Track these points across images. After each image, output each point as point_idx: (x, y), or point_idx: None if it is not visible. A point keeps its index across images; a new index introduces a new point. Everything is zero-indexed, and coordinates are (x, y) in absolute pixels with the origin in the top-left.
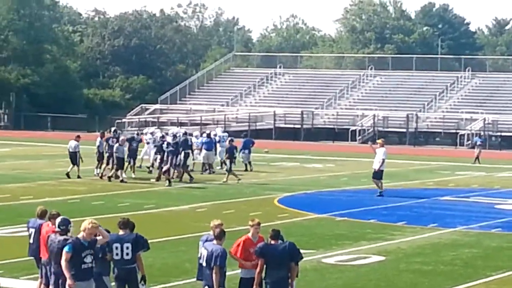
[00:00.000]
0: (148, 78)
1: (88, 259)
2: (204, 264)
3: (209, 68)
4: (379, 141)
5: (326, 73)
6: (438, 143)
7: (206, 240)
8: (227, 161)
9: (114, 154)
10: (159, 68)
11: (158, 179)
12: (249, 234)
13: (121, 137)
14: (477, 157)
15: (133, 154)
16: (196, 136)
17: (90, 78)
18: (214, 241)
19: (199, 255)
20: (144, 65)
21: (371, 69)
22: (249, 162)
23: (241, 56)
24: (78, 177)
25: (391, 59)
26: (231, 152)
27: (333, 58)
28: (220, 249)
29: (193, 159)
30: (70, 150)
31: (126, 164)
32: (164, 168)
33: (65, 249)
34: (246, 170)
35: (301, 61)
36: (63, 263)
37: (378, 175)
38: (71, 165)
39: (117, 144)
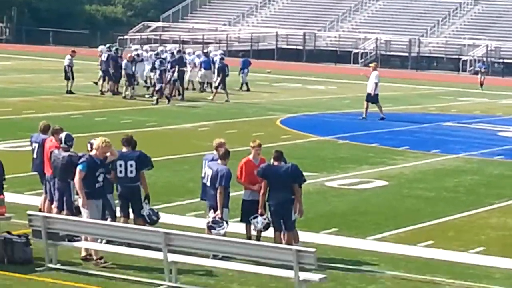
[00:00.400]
0: None
1: (101, 177)
2: (208, 184)
3: None
4: (371, 65)
5: None
6: (440, 68)
7: (212, 160)
8: (218, 79)
9: (123, 71)
10: None
11: (157, 101)
12: (250, 156)
13: (128, 54)
14: (481, 83)
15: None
16: (189, 54)
17: None
18: (219, 161)
19: (202, 175)
20: None
21: None
22: (246, 83)
23: None
24: (70, 92)
25: None
26: (222, 71)
27: None
28: (225, 169)
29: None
30: (64, 64)
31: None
32: (157, 87)
33: (79, 167)
34: (248, 90)
35: None
36: (76, 181)
37: (373, 99)
38: (66, 81)
39: (125, 61)
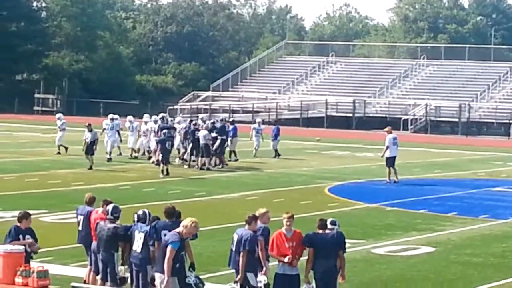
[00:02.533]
0: (201, 65)
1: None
2: (234, 249)
3: (262, 56)
4: (386, 129)
5: (378, 62)
6: (491, 133)
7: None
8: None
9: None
10: (212, 55)
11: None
12: (282, 229)
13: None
14: None
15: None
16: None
17: (142, 64)
18: (246, 226)
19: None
20: (197, 52)
21: (423, 58)
22: (276, 150)
23: (293, 44)
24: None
25: (444, 48)
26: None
27: (385, 47)
28: (249, 233)
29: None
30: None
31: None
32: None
33: (172, 246)
34: (277, 156)
35: (354, 50)
36: (168, 259)
37: (388, 162)
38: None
39: (204, 131)
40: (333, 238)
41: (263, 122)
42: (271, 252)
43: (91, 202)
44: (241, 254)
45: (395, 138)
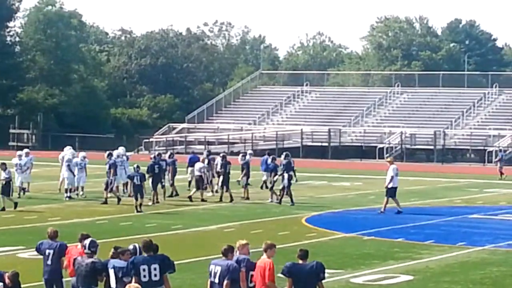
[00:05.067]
0: (175, 97)
1: None
2: (216, 280)
3: (236, 87)
4: (388, 159)
5: (352, 91)
6: (466, 160)
7: (237, 260)
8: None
9: (197, 173)
10: (186, 87)
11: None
12: (270, 258)
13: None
14: (501, 173)
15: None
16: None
17: (117, 97)
18: (223, 258)
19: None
20: (171, 84)
21: (398, 86)
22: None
23: (267, 74)
24: (3, 209)
25: (418, 76)
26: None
27: (359, 75)
28: (234, 263)
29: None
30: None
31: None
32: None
33: None
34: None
35: (328, 79)
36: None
37: (389, 193)
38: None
39: (200, 164)
40: (311, 268)
41: (239, 153)
42: (272, 283)
43: (55, 236)
44: (225, 283)
45: (397, 169)
